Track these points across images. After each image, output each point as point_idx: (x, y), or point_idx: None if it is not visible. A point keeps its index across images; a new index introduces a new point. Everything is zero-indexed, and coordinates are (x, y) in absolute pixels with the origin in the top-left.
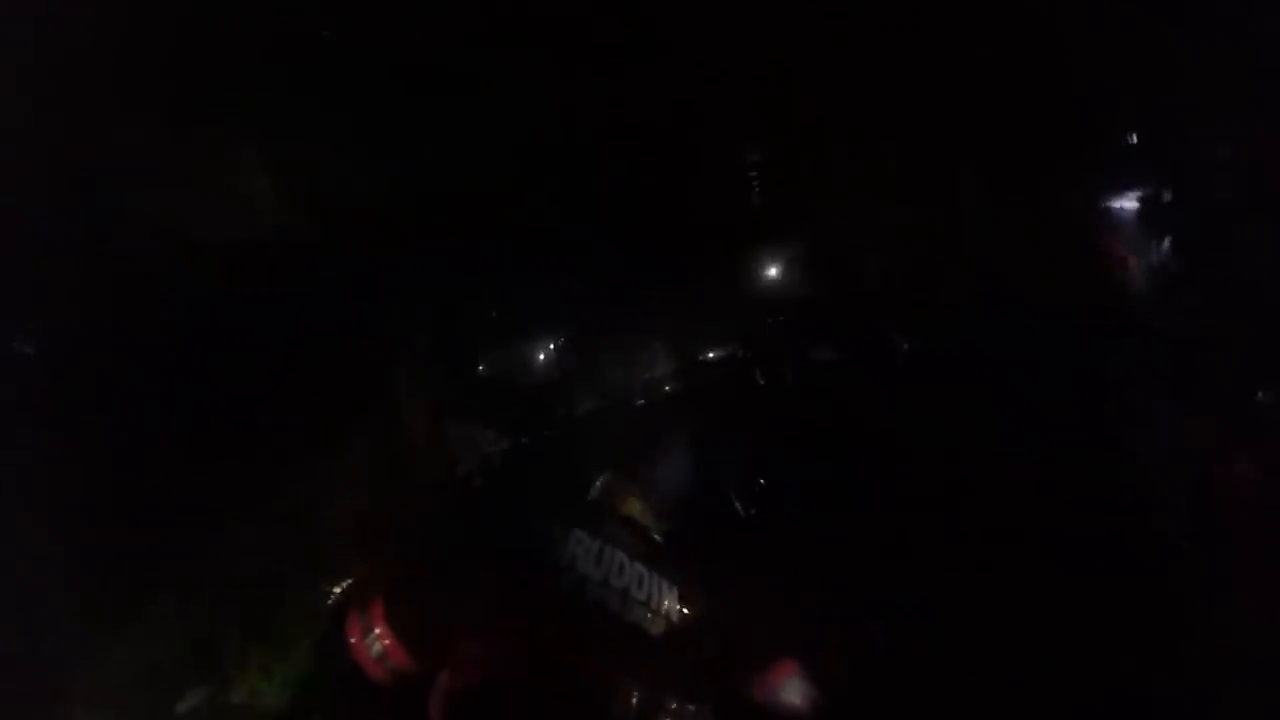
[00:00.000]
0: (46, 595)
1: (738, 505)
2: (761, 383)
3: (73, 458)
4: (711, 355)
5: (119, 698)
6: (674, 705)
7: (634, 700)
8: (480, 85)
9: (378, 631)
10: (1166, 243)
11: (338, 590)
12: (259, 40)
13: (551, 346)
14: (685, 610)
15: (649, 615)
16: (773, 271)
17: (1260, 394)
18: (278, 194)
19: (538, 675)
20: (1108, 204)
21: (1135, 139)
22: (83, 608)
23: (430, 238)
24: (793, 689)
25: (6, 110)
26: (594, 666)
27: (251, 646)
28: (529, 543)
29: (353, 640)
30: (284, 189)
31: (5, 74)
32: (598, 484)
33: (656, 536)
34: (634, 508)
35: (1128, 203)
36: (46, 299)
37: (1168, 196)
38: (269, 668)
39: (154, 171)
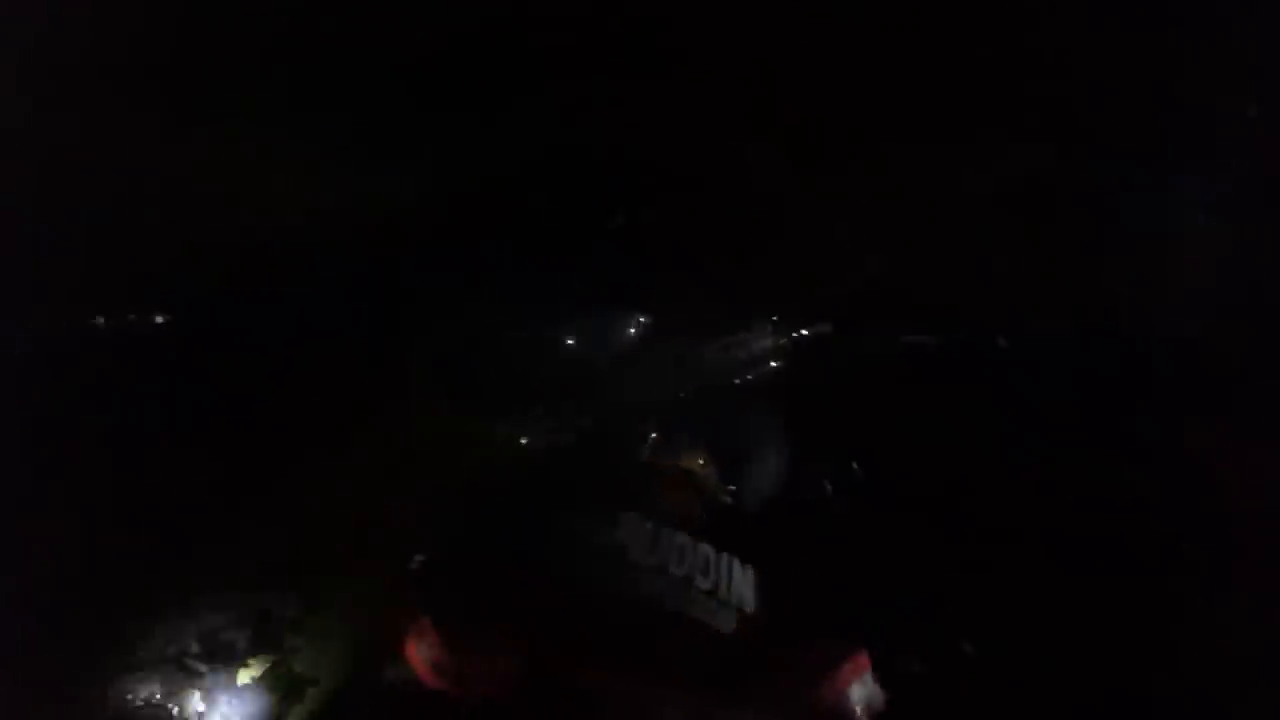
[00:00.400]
0: (113, 563)
1: (826, 487)
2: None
3: (143, 433)
4: (802, 333)
5: (183, 665)
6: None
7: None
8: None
9: (429, 638)
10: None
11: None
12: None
13: (630, 321)
14: (760, 597)
15: (717, 607)
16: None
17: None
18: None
19: (584, 685)
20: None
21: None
22: (147, 577)
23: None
24: (863, 691)
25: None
26: (650, 673)
27: (313, 618)
28: (569, 534)
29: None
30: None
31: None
32: (648, 441)
33: (725, 498)
34: (693, 462)
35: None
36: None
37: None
38: (330, 640)
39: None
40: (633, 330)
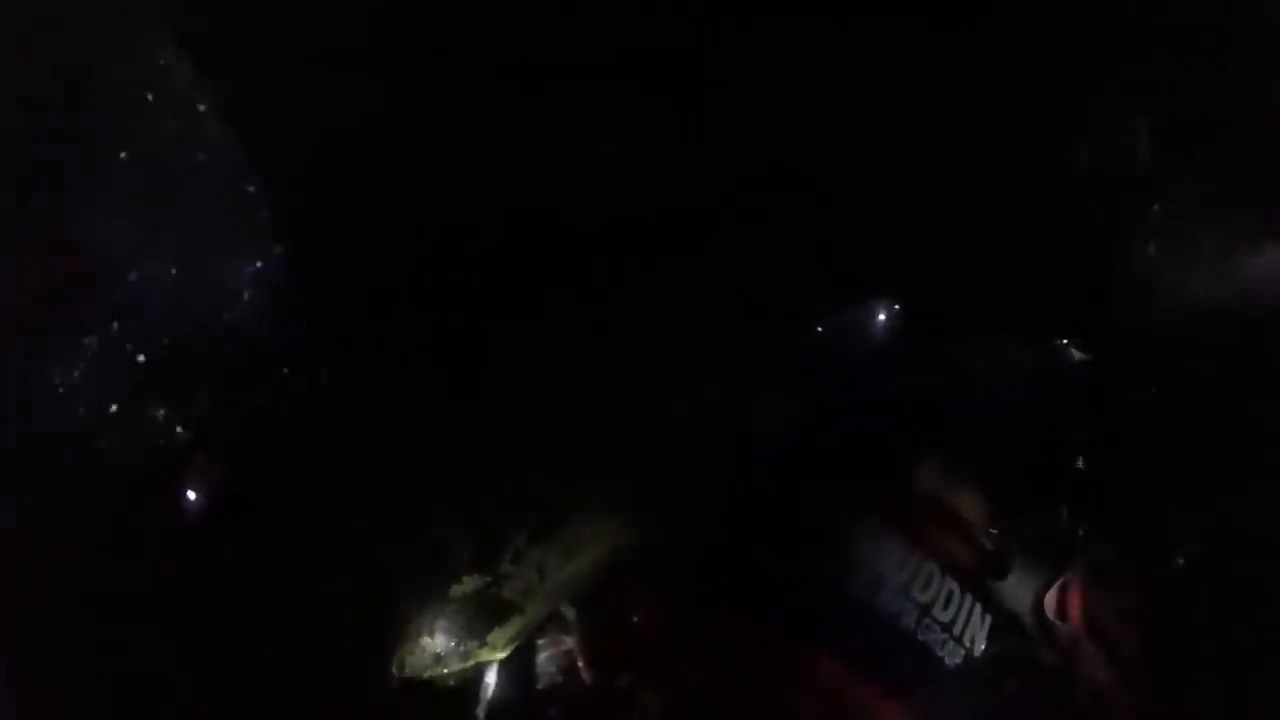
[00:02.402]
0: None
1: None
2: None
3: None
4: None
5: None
6: None
7: None
8: None
9: (650, 600)
10: None
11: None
12: None
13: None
14: (990, 646)
15: (948, 641)
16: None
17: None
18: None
19: (792, 674)
20: None
21: None
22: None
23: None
24: None
25: None
26: (868, 686)
27: (534, 549)
28: (818, 523)
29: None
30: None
31: None
32: (923, 469)
33: (988, 545)
34: (968, 506)
35: None
36: None
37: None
38: (545, 571)
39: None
40: (884, 319)
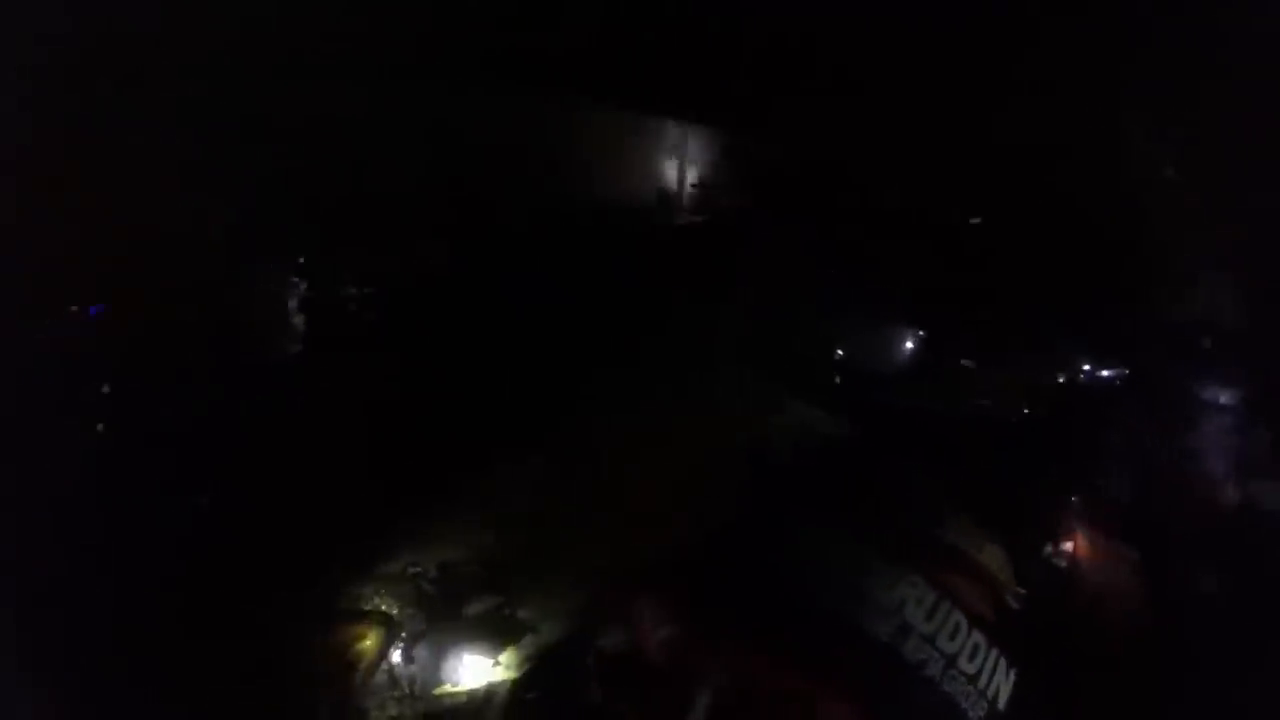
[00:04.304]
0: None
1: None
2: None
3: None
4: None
5: (416, 583)
6: None
7: None
8: None
9: (666, 620)
10: None
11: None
12: None
13: (912, 333)
14: (1014, 700)
15: (972, 693)
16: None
17: None
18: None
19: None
20: None
21: None
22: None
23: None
24: None
25: None
26: None
27: (549, 574)
28: (848, 569)
29: (640, 619)
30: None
31: None
32: (954, 522)
33: (1012, 602)
34: (993, 560)
35: None
36: None
37: None
38: (557, 597)
39: None
40: (910, 345)
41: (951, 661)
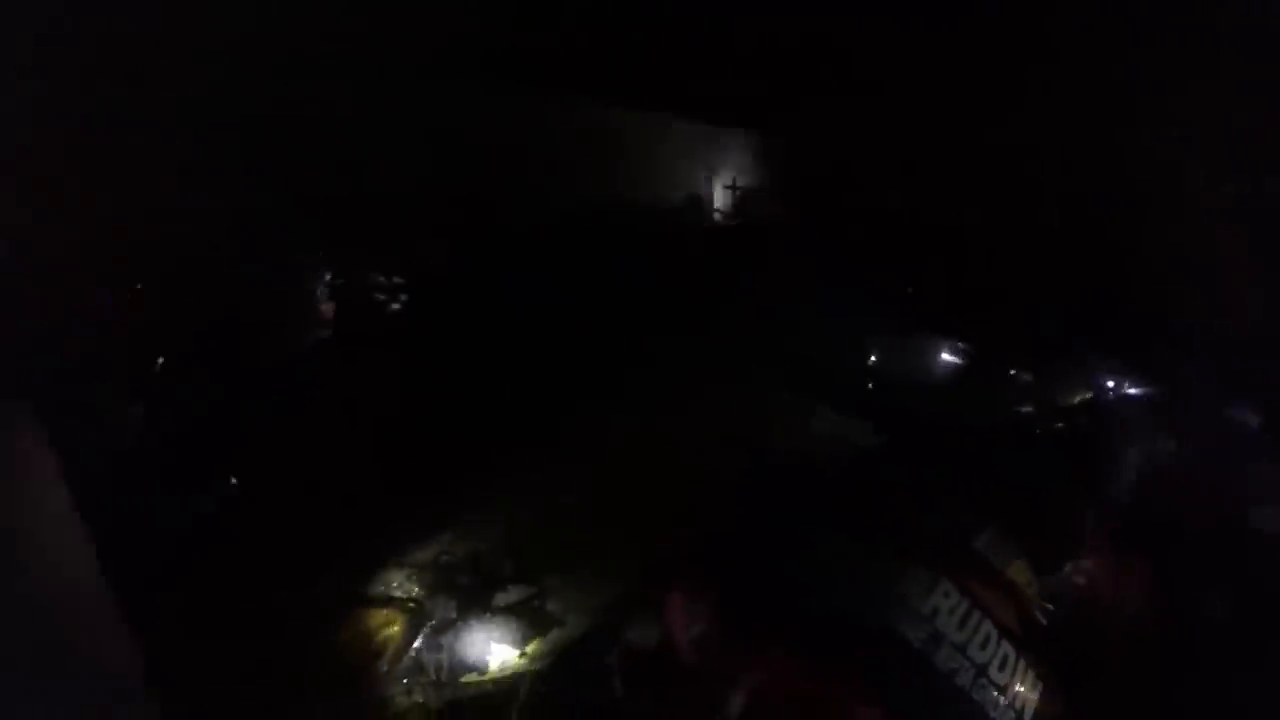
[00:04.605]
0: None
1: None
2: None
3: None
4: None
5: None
6: None
7: None
8: None
9: (700, 619)
10: None
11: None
12: None
13: (946, 344)
14: (1040, 713)
15: (1000, 701)
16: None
17: None
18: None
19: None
20: None
21: None
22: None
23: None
24: None
25: None
26: None
27: (579, 566)
28: (882, 576)
29: (672, 616)
30: None
31: None
32: (984, 535)
33: (1039, 616)
34: (1021, 574)
35: None
36: None
37: None
38: (591, 589)
39: None
40: (947, 355)
41: (982, 671)
